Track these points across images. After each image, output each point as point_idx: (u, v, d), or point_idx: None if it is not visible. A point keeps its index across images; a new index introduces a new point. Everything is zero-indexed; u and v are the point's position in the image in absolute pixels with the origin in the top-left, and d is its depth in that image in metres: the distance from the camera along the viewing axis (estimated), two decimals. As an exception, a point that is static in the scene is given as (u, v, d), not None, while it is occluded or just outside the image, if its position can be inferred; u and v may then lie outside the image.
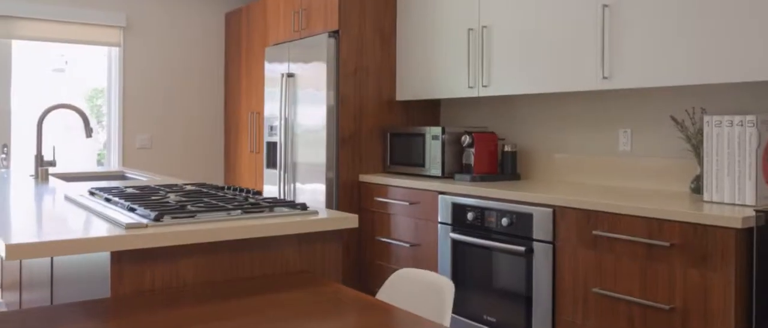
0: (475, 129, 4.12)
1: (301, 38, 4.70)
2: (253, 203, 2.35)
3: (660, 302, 2.60)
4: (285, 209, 2.31)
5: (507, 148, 4.02)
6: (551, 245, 3.05)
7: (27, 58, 5.47)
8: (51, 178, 3.70)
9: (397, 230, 4.03)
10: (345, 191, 4.31)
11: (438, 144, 4.01)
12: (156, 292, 1.90)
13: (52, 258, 2.71)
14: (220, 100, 6.24)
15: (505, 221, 3.27)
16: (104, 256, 1.96)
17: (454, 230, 3.60)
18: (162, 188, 2.81)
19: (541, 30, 3.52)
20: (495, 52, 3.79)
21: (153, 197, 2.46)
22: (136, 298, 1.83)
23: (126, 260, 1.89)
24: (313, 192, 4.40)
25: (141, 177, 3.99)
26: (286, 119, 4.70)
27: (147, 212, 2.06)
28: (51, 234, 1.82)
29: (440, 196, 3.70)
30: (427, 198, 3.79)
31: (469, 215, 3.48)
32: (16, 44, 5.36)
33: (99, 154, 9.78)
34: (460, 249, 3.56)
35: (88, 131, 3.85)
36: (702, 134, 3.05)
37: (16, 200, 2.68)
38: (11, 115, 5.36)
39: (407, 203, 3.92)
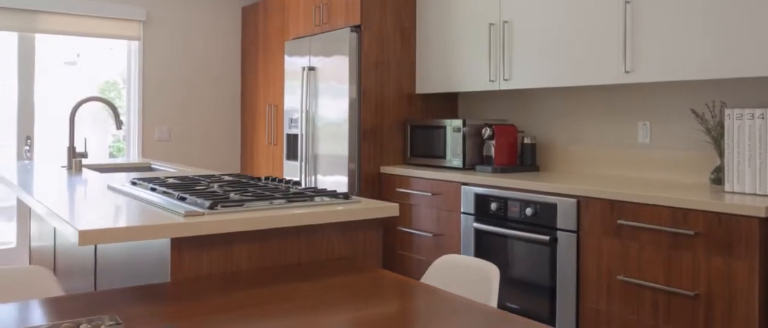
0: (495, 121, 4.21)
1: (322, 33, 4.79)
2: (297, 192, 2.44)
3: (684, 288, 2.70)
4: (326, 198, 2.40)
5: (526, 141, 4.12)
6: (575, 235, 3.15)
7: (39, 52, 5.53)
8: (84, 169, 3.79)
9: (419, 220, 4.12)
10: (367, 182, 4.40)
11: (459, 136, 4.10)
12: (213, 277, 2.00)
13: (95, 246, 2.80)
14: (236, 92, 6.32)
15: (529, 211, 3.36)
16: (148, 244, 2.05)
17: (477, 220, 3.69)
18: (202, 179, 2.90)
19: (562, 25, 3.61)
20: (516, 46, 3.88)
21: (197, 187, 2.55)
22: (195, 282, 1.93)
23: (185, 247, 1.99)
24: (335, 184, 4.49)
25: (168, 169, 4.08)
26: (307, 112, 4.79)
27: (200, 200, 2.15)
28: (117, 221, 1.91)
29: (463, 187, 3.79)
30: (449, 189, 3.89)
31: (493, 206, 3.58)
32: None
33: (112, 147, 9.86)
34: (483, 239, 3.66)
35: (118, 123, 3.94)
36: (722, 127, 3.14)
37: (62, 190, 2.77)
38: (34, 108, 5.45)
39: (430, 194, 4.01)
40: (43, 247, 3.95)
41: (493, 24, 4.02)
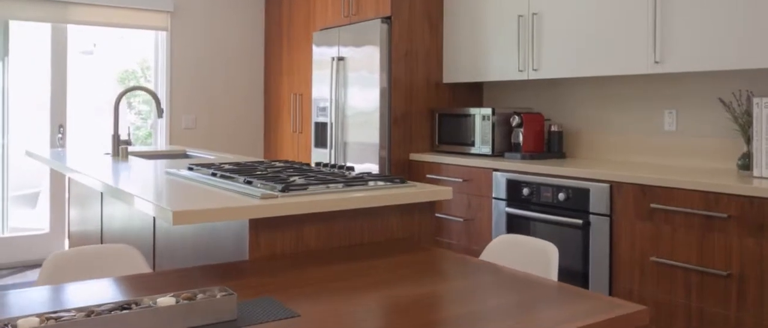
0: (522, 110, 4.34)
1: (351, 23, 4.91)
2: (355, 177, 2.58)
3: (717, 268, 2.84)
4: (381, 183, 2.53)
5: (553, 128, 4.25)
6: (608, 218, 3.29)
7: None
8: (130, 156, 3.93)
9: (450, 205, 4.26)
10: (397, 169, 4.54)
11: (488, 124, 4.23)
12: (285, 256, 2.14)
13: (154, 228, 2.95)
14: (259, 82, 6.45)
15: (561, 196, 3.50)
16: (218, 226, 2.18)
17: (509, 205, 3.83)
18: (256, 164, 3.04)
19: (591, 16, 3.74)
20: (545, 37, 4.00)
21: (256, 172, 2.69)
22: (270, 261, 2.07)
23: (261, 227, 2.13)
24: (365, 170, 4.63)
25: (206, 155, 4.21)
26: (336, 101, 4.92)
27: (270, 184, 2.29)
28: (200, 203, 2.05)
29: (495, 173, 3.93)
30: (480, 175, 4.03)
31: (525, 191, 3.72)
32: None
33: (133, 135, 9.98)
34: (515, 223, 3.80)
35: (160, 111, 4.07)
36: (749, 115, 3.27)
37: (128, 176, 2.91)
38: (67, 97, 5.58)
39: (460, 180, 4.15)
40: (88, 231, 4.09)
41: (522, 16, 4.15)
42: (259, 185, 2.34)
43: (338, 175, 2.66)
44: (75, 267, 1.95)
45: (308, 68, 5.69)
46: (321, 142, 5.14)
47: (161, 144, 6.08)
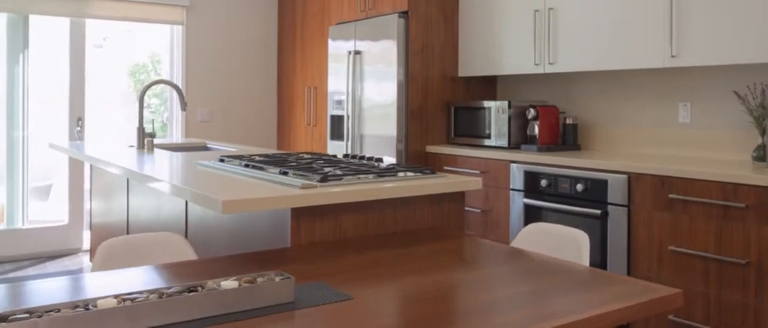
0: (538, 103, 4.41)
1: (367, 18, 4.98)
2: (386, 168, 2.65)
3: (736, 257, 2.92)
4: (410, 173, 2.61)
5: (568, 121, 4.33)
6: (626, 208, 3.37)
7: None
8: (155, 149, 4.01)
9: (468, 197, 4.34)
10: (414, 161, 4.62)
11: (504, 117, 4.31)
12: (325, 243, 2.22)
13: (186, 218, 3.03)
14: (272, 75, 6.53)
15: (579, 187, 3.58)
16: (253, 215, 2.26)
17: (526, 196, 3.91)
18: (285, 156, 3.12)
19: (608, 10, 3.81)
20: (561, 31, 4.08)
21: (288, 163, 2.77)
22: (310, 248, 2.15)
23: (302, 216, 2.21)
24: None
25: (228, 148, 4.29)
26: (353, 94, 5.00)
27: (307, 175, 2.37)
28: (247, 193, 2.13)
29: (512, 164, 4.00)
30: (497, 167, 4.10)
31: (543, 182, 3.80)
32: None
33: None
34: (533, 213, 3.88)
35: (183, 104, 4.15)
36: (764, 107, 3.35)
37: (163, 168, 2.98)
38: (85, 91, 5.65)
39: (478, 172, 4.22)
40: (111, 222, 4.17)
41: (538, 10, 4.22)
42: (295, 176, 2.42)
43: (369, 166, 2.73)
44: (126, 254, 2.03)
45: (322, 62, 5.77)
46: (337, 134, 5.21)
47: (177, 137, 6.16)
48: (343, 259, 2.00)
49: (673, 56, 3.49)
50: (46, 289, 1.66)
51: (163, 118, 6.52)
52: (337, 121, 5.22)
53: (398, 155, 4.60)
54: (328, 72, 5.34)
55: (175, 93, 6.14)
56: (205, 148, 4.63)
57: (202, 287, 1.52)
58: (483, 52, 4.64)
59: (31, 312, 1.33)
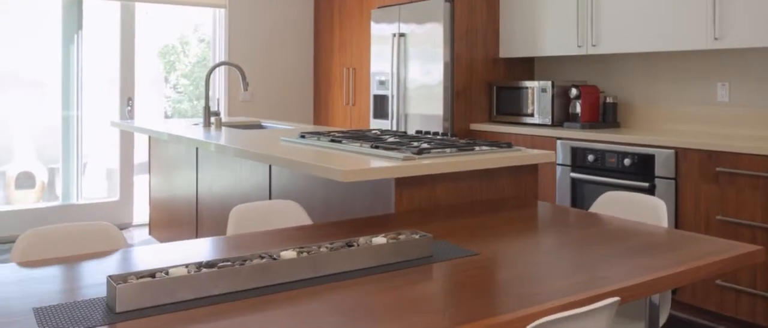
0: (579, 83, 4.64)
1: (411, 2, 5.19)
2: (467, 142, 2.89)
3: (781, 224, 3.17)
4: (485, 147, 2.84)
5: (608, 100, 4.55)
6: (674, 181, 3.60)
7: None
8: (223, 127, 4.23)
9: (512, 172, 4.57)
10: (459, 138, 4.84)
11: (547, 96, 4.54)
12: (422, 210, 2.45)
13: (269, 188, 3.27)
14: (309, 56, 6.74)
15: (627, 161, 3.82)
16: (328, 185, 2.49)
17: (573, 171, 4.15)
18: (361, 132, 3.34)
19: (653, -5, 4.02)
20: (604, 13, 4.29)
21: (368, 139, 3.00)
22: (411, 214, 2.39)
23: (403, 185, 2.44)
24: (428, 140, 4.93)
25: (283, 126, 4.51)
26: (397, 75, 5.22)
27: (402, 148, 2.60)
28: (356, 164, 2.36)
29: (558, 141, 4.24)
30: (542, 143, 4.34)
31: (590, 157, 4.03)
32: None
33: (172, 108, 10.28)
34: (578, 187, 4.12)
35: (245, 85, 4.37)
36: (803, 87, 3.58)
37: (251, 143, 3.21)
38: (135, 72, 5.87)
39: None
40: (175, 195, 4.41)
41: (581, -6, 4.43)
42: (387, 150, 2.65)
43: (450, 141, 2.96)
44: (254, 218, 2.27)
45: (361, 44, 5.98)
46: (380, 113, 5.44)
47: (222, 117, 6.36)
48: (444, 223, 2.24)
49: (716, 39, 3.71)
50: (199, 250, 1.90)
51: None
52: (380, 101, 5.44)
53: (444, 133, 4.83)
54: (371, 54, 5.55)
55: (224, 72, 6.35)
56: (260, 126, 4.85)
57: (358, 244, 1.76)
58: (525, 34, 4.85)
59: (232, 261, 1.57)
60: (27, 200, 5.66)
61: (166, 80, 10.24)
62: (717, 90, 4.09)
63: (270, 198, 3.27)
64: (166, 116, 9.82)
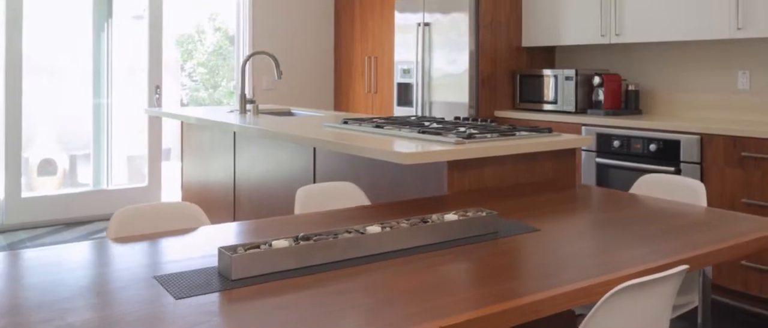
0: (601, 71, 4.77)
1: (436, -9, 5.32)
2: (508, 128, 3.02)
3: (805, 207, 3.31)
4: (524, 133, 2.98)
5: (630, 88, 4.69)
6: (699, 166, 3.74)
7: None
8: (260, 114, 4.37)
9: (536, 158, 4.71)
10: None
11: (571, 84, 4.67)
12: (471, 192, 2.59)
13: (314, 172, 3.40)
14: (329, 45, 6.87)
15: (652, 147, 3.96)
16: (375, 168, 2.62)
17: (599, 156, 4.29)
18: (406, 119, 3.48)
19: (677, -14, 4.14)
20: (628, 2, 4.41)
21: (412, 125, 3.13)
22: (463, 195, 2.53)
23: (454, 168, 2.58)
24: (454, 126, 5.07)
25: (313, 113, 4.65)
26: (422, 64, 5.35)
27: (450, 133, 2.73)
28: (414, 147, 2.50)
29: (583, 127, 4.37)
30: (567, 129, 4.47)
31: (615, 143, 4.17)
32: None
33: (190, 97, 10.40)
34: (604, 172, 4.26)
35: (278, 73, 4.50)
36: (825, 75, 3.71)
37: (297, 129, 3.34)
38: (162, 61, 5.99)
39: (549, 135, 4.59)
40: (209, 180, 4.55)
41: (605, -16, 4.56)
42: (433, 134, 2.78)
43: (491, 127, 3.10)
44: (318, 198, 2.41)
45: (383, 32, 6.10)
46: (405, 101, 5.57)
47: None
48: (495, 203, 2.38)
49: (739, 28, 3.83)
50: (277, 226, 2.04)
51: (231, 87, 6.86)
52: (404, 89, 5.57)
53: (483, 120, 4.96)
54: (395, 42, 5.68)
55: (249, 61, 6.47)
56: (290, 114, 4.98)
57: (432, 220, 1.90)
58: (547, 24, 4.97)
59: (325, 234, 1.71)
60: (47, 187, 5.80)
61: (182, 69, 10.38)
62: (738, 78, 4.22)
63: (314, 181, 3.41)
64: (182, 104, 9.96)
